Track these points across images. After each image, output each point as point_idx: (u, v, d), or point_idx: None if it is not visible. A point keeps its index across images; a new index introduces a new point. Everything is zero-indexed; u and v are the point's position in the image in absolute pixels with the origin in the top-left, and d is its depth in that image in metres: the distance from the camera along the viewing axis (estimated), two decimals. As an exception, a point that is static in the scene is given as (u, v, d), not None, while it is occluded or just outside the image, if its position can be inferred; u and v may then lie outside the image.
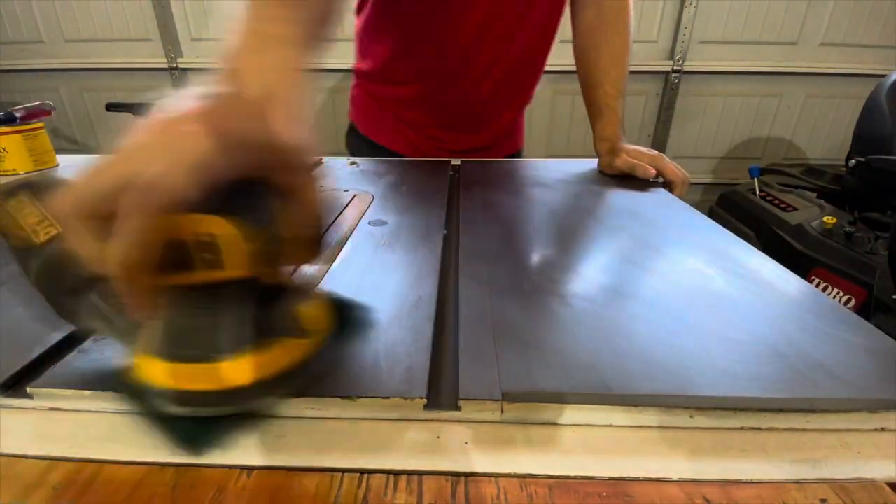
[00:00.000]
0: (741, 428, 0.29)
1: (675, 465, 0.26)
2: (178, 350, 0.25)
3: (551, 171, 0.84)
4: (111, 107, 2.13)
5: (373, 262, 0.46)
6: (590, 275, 0.45)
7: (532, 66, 0.95)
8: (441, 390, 0.30)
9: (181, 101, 0.24)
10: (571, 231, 0.56)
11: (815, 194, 1.81)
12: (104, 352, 0.32)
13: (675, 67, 2.32)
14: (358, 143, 1.04)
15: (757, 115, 2.46)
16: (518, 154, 1.12)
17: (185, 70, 2.44)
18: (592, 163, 0.89)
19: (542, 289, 0.42)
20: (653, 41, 2.32)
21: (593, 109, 0.90)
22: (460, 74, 0.89)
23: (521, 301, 0.39)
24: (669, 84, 2.36)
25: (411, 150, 0.99)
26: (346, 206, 0.63)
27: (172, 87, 2.46)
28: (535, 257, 0.48)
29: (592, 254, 0.49)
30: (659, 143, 2.49)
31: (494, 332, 0.35)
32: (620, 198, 0.68)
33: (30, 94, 2.54)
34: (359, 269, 0.45)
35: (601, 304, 0.39)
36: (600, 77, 0.89)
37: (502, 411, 0.29)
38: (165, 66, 2.41)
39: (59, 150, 0.91)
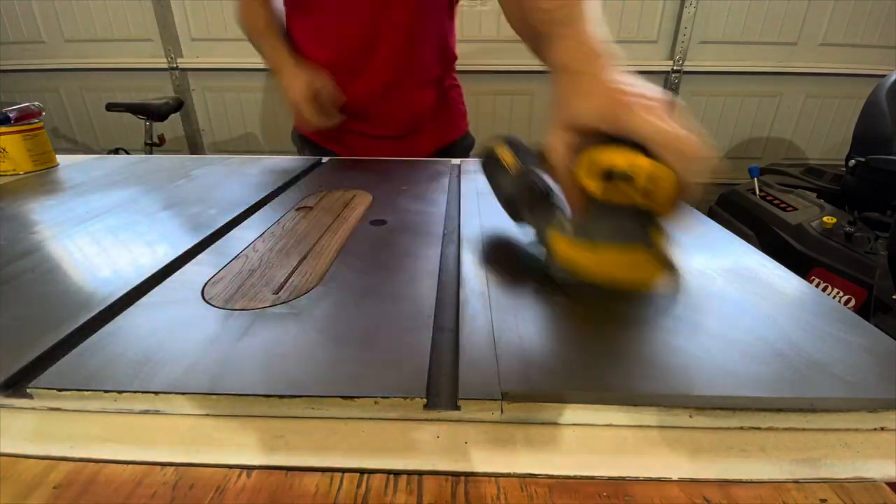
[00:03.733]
0: (741, 428, 0.29)
1: (675, 465, 0.26)
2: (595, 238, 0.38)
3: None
4: (111, 107, 2.14)
5: (373, 262, 0.47)
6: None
7: (421, 39, 0.95)
8: (441, 390, 0.30)
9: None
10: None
11: (814, 194, 1.81)
12: (103, 351, 0.32)
13: (674, 67, 2.32)
14: (301, 145, 1.10)
15: (757, 115, 2.46)
16: (465, 138, 1.13)
17: (184, 70, 2.45)
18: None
19: (542, 288, 0.42)
20: (653, 41, 2.32)
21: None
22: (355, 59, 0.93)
23: (521, 300, 0.39)
24: (669, 84, 2.36)
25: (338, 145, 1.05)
26: (346, 205, 0.63)
27: (173, 88, 2.48)
28: (536, 257, 0.48)
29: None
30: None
31: (495, 331, 0.35)
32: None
33: (30, 94, 2.55)
34: (359, 269, 0.45)
35: (601, 303, 0.39)
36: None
37: (502, 411, 0.29)
38: (165, 66, 2.42)
39: (59, 150, 0.91)
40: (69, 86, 2.55)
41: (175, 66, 2.42)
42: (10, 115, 0.83)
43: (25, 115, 0.85)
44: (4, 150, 0.83)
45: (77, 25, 2.40)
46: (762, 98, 2.43)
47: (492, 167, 0.52)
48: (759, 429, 0.29)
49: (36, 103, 0.87)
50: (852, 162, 1.67)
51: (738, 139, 2.54)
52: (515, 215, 0.50)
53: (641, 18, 2.28)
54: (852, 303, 1.35)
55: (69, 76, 2.51)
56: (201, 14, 2.35)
